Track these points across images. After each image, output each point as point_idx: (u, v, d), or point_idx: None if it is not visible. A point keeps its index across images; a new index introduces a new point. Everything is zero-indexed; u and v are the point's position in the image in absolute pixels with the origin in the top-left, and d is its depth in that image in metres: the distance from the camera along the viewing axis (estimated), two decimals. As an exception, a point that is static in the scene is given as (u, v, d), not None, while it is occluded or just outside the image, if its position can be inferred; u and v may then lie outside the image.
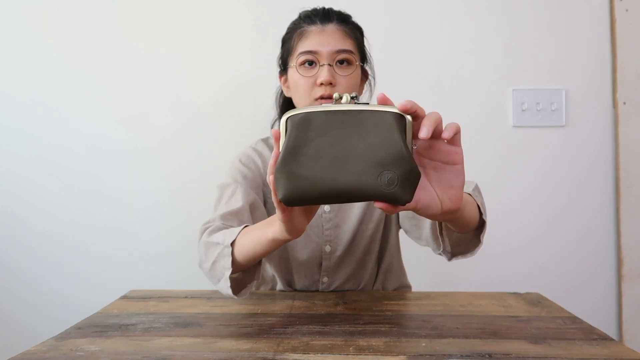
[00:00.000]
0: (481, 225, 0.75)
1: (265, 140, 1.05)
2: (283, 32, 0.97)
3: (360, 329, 0.72)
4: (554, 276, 1.45)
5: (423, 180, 0.55)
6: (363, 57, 0.95)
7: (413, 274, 1.12)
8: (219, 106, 1.44)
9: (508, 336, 0.69)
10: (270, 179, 0.54)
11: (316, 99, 0.87)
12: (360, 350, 0.63)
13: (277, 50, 0.98)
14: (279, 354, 0.62)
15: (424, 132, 0.50)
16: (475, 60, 1.44)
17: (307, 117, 0.53)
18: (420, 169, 0.55)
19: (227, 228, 0.82)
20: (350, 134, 0.52)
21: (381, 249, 1.03)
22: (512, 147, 1.45)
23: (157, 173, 1.45)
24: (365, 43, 0.96)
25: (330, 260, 0.98)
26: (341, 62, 0.88)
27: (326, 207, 0.98)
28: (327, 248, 0.98)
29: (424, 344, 0.65)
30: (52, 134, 1.45)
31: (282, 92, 1.01)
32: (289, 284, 1.01)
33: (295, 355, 0.62)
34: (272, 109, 1.06)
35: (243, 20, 1.44)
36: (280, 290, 1.01)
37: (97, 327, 0.75)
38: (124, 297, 0.93)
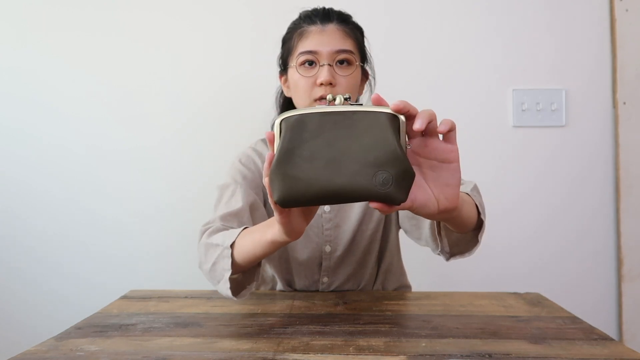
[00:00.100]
0: (479, 225, 0.75)
1: (265, 141, 1.05)
2: (283, 32, 0.96)
3: (360, 329, 0.72)
4: (554, 276, 1.45)
5: (419, 179, 0.55)
6: (363, 57, 0.95)
7: (413, 274, 1.12)
8: (219, 106, 1.44)
9: (508, 336, 0.69)
10: (265, 181, 0.54)
11: (316, 99, 0.87)
12: (360, 350, 0.63)
13: (277, 50, 0.98)
14: (279, 354, 0.62)
15: (418, 124, 0.51)
16: (475, 60, 1.44)
17: (301, 119, 0.53)
18: (416, 168, 0.55)
19: (227, 229, 0.82)
20: (344, 135, 0.52)
21: (381, 249, 1.03)
22: (512, 147, 1.44)
23: (157, 173, 1.45)
24: (366, 43, 0.96)
25: (330, 260, 0.98)
26: (341, 62, 0.88)
27: (326, 208, 0.98)
28: (327, 248, 0.98)
29: (424, 344, 0.65)
30: (52, 134, 1.45)
31: (282, 92, 1.01)
32: (289, 284, 1.01)
33: (295, 355, 0.62)
34: (272, 109, 1.06)
35: (243, 20, 1.44)
36: (280, 290, 1.01)
37: (97, 327, 0.75)
38: (124, 297, 0.93)
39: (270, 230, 0.66)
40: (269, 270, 1.03)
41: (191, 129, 1.45)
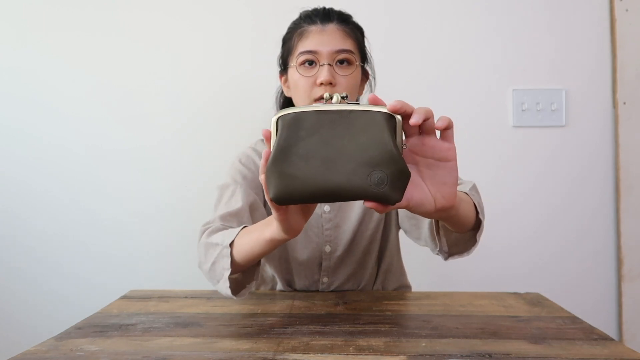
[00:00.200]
0: (478, 224, 0.76)
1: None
2: (283, 32, 0.96)
3: (360, 329, 0.72)
4: (554, 276, 1.45)
5: (416, 178, 0.55)
6: (363, 57, 0.95)
7: (413, 274, 1.12)
8: (219, 106, 1.44)
9: (508, 336, 0.69)
10: (261, 178, 0.54)
11: (316, 99, 0.87)
12: (360, 350, 0.63)
13: (277, 50, 0.98)
14: (279, 354, 0.62)
15: (414, 119, 0.51)
16: (475, 60, 1.44)
17: (298, 117, 0.53)
18: (413, 166, 0.55)
19: (227, 229, 0.82)
20: (340, 134, 0.52)
21: (381, 249, 1.03)
22: (512, 147, 1.45)
23: (157, 173, 1.45)
24: (366, 43, 0.96)
25: (330, 260, 0.98)
26: (341, 62, 0.88)
27: (326, 207, 0.98)
28: (327, 248, 0.98)
29: (424, 344, 0.65)
30: (52, 134, 1.45)
31: (282, 92, 1.01)
32: (289, 284, 1.01)
33: (295, 355, 0.62)
34: (272, 109, 1.06)
35: (243, 20, 1.44)
36: (280, 290, 1.01)
37: (97, 327, 0.75)
38: (124, 297, 0.93)
39: (268, 228, 0.66)
40: (269, 270, 1.03)
41: (191, 129, 1.45)
